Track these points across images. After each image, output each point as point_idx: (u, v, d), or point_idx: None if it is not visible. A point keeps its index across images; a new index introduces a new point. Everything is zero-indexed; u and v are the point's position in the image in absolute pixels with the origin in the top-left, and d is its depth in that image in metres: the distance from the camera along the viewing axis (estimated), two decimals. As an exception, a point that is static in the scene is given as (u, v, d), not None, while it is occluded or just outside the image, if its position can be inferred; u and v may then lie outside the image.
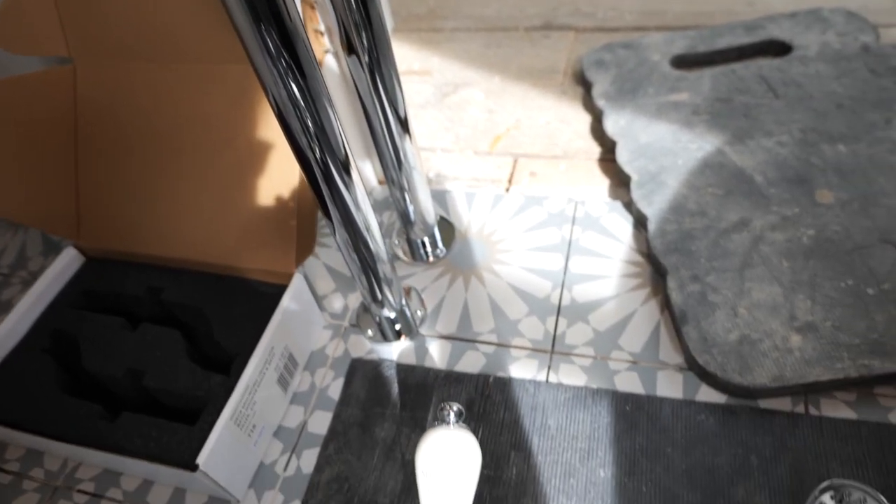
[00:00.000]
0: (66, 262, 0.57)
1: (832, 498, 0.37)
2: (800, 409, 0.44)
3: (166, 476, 0.47)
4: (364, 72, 0.45)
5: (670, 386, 0.47)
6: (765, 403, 0.44)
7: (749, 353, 0.44)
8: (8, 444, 0.54)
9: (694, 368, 0.46)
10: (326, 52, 0.56)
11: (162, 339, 0.51)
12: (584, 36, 0.79)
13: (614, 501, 0.42)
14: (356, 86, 0.47)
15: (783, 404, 0.44)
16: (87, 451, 0.46)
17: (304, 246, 0.53)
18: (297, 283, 0.51)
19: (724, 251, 0.50)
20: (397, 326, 0.53)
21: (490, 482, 0.44)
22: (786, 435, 0.43)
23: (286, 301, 0.50)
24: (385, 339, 0.53)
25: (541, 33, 0.82)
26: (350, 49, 0.44)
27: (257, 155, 0.53)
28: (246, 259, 0.53)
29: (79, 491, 0.50)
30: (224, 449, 0.44)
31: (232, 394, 0.45)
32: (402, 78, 0.48)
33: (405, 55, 0.82)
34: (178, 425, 0.45)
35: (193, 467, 0.42)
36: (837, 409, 0.43)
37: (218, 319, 0.51)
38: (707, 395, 0.46)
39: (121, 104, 0.56)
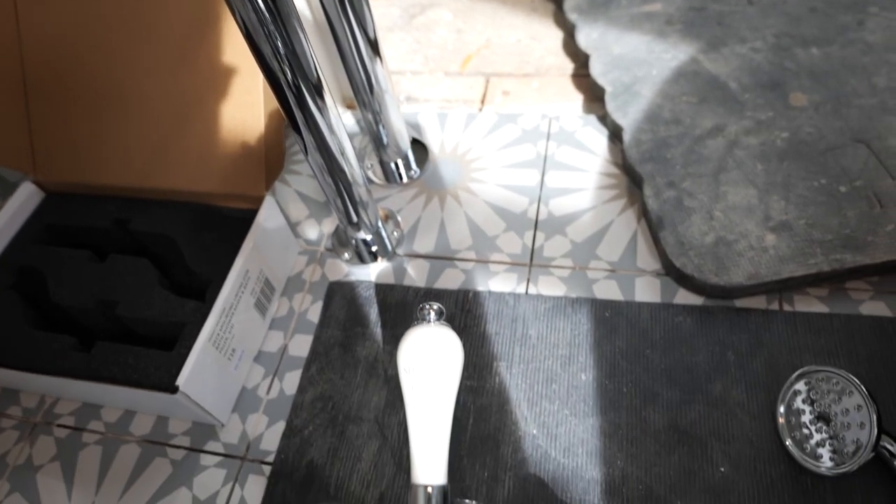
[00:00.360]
0: (25, 198, 0.54)
1: (805, 384, 0.38)
2: (774, 306, 0.44)
3: (147, 403, 0.46)
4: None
5: (648, 291, 0.46)
6: (740, 303, 0.44)
7: (725, 254, 0.44)
8: (-19, 383, 0.52)
9: (671, 273, 0.46)
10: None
11: (132, 268, 0.49)
12: (553, -50, 0.76)
13: (596, 402, 0.42)
14: (324, 8, 0.44)
15: (758, 302, 0.44)
16: (65, 382, 0.45)
17: (273, 168, 0.51)
18: (268, 206, 0.49)
19: (700, 157, 0.49)
20: (374, 248, 0.52)
21: (473, 392, 0.44)
22: (761, 331, 0.43)
23: (259, 223, 0.48)
24: (362, 261, 0.52)
25: (509, -51, 0.78)
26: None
27: (219, 75, 0.50)
28: (214, 184, 0.51)
29: (59, 426, 0.49)
30: (203, 371, 0.43)
31: (209, 316, 0.43)
32: (367, -7, 0.45)
33: (369, -24, 0.78)
34: (155, 352, 0.44)
35: (173, 389, 0.41)
36: (810, 305, 0.44)
37: (190, 247, 0.49)
38: (684, 297, 0.46)
39: (69, 27, 0.52)
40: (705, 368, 0.42)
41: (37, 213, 0.54)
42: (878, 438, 0.34)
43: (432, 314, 0.31)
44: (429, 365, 0.29)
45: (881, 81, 0.50)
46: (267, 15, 0.33)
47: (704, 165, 0.49)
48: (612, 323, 0.45)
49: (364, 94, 0.50)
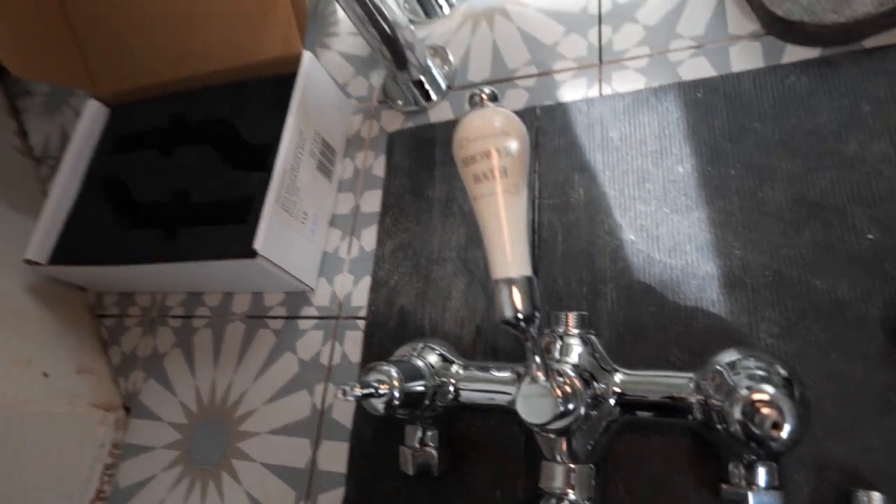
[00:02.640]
0: (93, 115, 0.51)
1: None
2: (916, 36, 0.32)
3: (238, 278, 0.43)
4: None
5: (748, 58, 0.36)
6: (870, 42, 0.33)
7: (845, -17, 0.33)
8: (103, 293, 0.52)
9: (774, 27, 0.35)
10: None
11: (196, 156, 0.45)
12: None
13: (699, 193, 0.34)
14: None
15: (892, 38, 0.33)
16: (161, 269, 0.43)
17: (301, 24, 0.44)
18: (307, 62, 0.43)
19: None
20: (427, 88, 0.44)
21: (558, 210, 0.37)
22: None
23: (302, 79, 0.42)
24: (416, 104, 0.45)
25: None
26: None
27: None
28: (252, 53, 0.45)
29: (172, 317, 0.48)
30: (278, 234, 0.39)
31: (271, 180, 0.39)
32: None
33: None
34: (231, 226, 0.40)
35: (252, 254, 0.37)
36: (969, 22, 0.32)
37: (243, 122, 0.44)
38: (796, 54, 0.35)
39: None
40: (833, 127, 0.32)
41: (107, 127, 0.52)
42: None
43: (485, 96, 0.24)
44: (489, 147, 0.23)
45: None
46: None
47: None
48: (706, 103, 0.36)
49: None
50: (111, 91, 0.51)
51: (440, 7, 0.48)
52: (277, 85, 0.44)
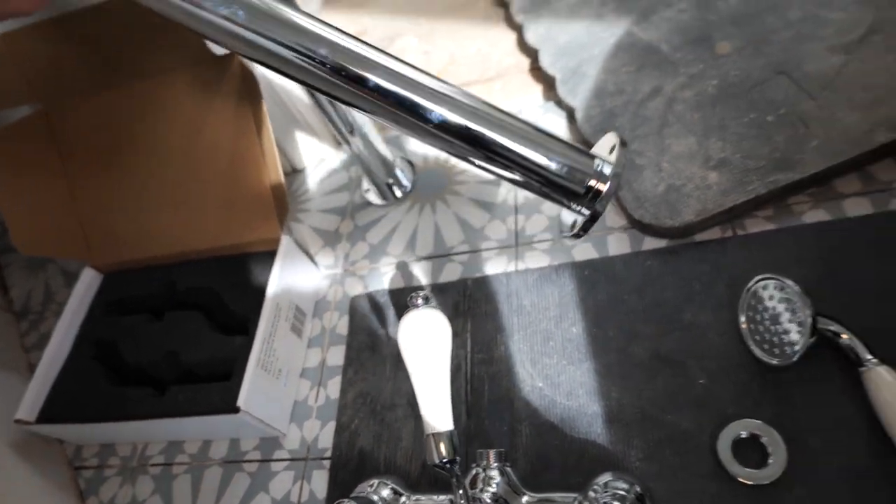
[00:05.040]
0: (88, 282, 0.66)
1: (756, 293, 0.45)
2: (728, 233, 0.51)
3: (219, 429, 0.56)
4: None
5: (619, 245, 0.54)
6: (699, 237, 0.51)
7: (675, 198, 0.51)
8: (83, 445, 0.63)
9: (635, 225, 0.54)
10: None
11: (186, 321, 0.59)
12: (494, -40, 0.84)
13: (588, 349, 0.50)
14: None
15: (713, 234, 0.51)
16: (149, 424, 0.55)
17: (282, 212, 0.61)
18: (285, 244, 0.59)
19: (644, 119, 0.57)
20: (391, 184, 0.63)
21: (485, 363, 0.52)
22: (719, 258, 0.50)
23: (279, 260, 0.58)
24: (384, 198, 0.64)
25: (455, -31, 0.87)
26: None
27: (223, 143, 0.60)
28: (238, 235, 0.61)
29: (152, 465, 0.59)
30: (258, 391, 0.52)
31: (253, 346, 0.53)
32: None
33: (338, 22, 0.88)
34: (216, 384, 0.54)
35: (236, 409, 0.50)
36: (760, 225, 0.50)
37: (228, 292, 0.59)
38: (650, 244, 0.53)
39: (96, 131, 0.63)
40: (675, 302, 0.49)
41: (99, 292, 0.66)
42: (815, 322, 0.41)
43: (420, 300, 0.39)
44: (421, 342, 0.38)
45: (794, 14, 0.57)
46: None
47: (648, 125, 0.56)
48: (592, 279, 0.53)
49: (345, 131, 0.60)
50: (106, 261, 0.66)
51: (394, 193, 0.66)
52: (259, 260, 0.60)
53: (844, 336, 0.41)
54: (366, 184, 0.68)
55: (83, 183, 0.65)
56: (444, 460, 0.37)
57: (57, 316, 0.75)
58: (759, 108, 0.53)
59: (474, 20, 0.80)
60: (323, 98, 0.56)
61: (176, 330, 0.59)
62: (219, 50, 0.57)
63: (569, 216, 0.35)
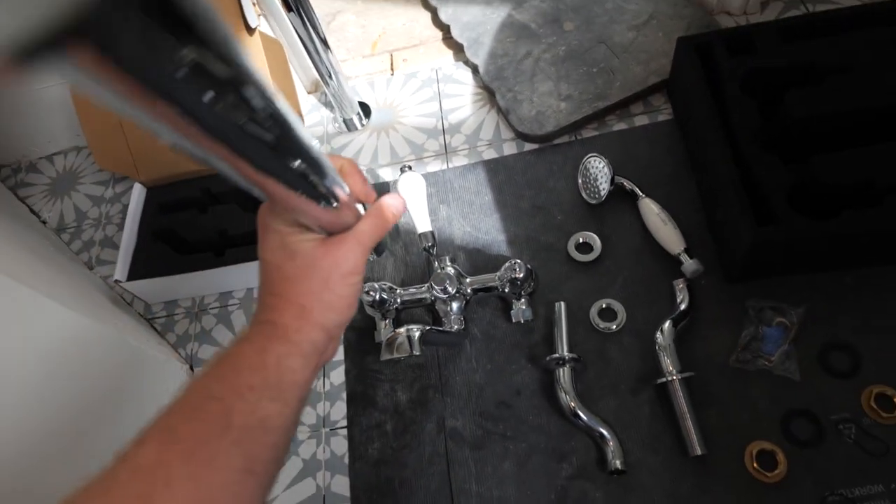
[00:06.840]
0: (138, 193, 0.94)
1: (586, 165, 0.84)
2: (572, 139, 0.90)
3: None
4: (301, 17, 0.84)
5: (509, 148, 0.91)
6: (556, 141, 0.90)
7: (541, 118, 0.89)
8: (151, 304, 0.92)
9: (519, 136, 0.91)
10: (260, 15, 0.93)
11: (226, 211, 0.90)
12: (410, -44, 1.18)
13: (494, 208, 0.87)
14: (293, 26, 0.86)
15: (564, 139, 0.90)
16: (213, 273, 0.86)
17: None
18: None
19: (521, 71, 0.94)
20: (356, 119, 0.95)
21: (434, 221, 0.88)
22: (567, 151, 0.89)
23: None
24: (351, 128, 0.96)
25: (381, -39, 1.19)
26: (288, 7, 0.82)
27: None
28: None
29: (210, 309, 0.90)
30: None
31: (286, 218, 0.85)
32: (319, 21, 0.86)
33: (291, 1, 1.18)
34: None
35: (283, 255, 0.83)
36: (589, 133, 0.90)
37: (255, 191, 0.91)
38: (528, 147, 0.91)
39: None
40: (543, 177, 0.88)
41: (148, 199, 0.94)
42: (613, 178, 0.80)
43: (407, 168, 0.74)
44: (412, 186, 0.73)
45: (609, 4, 0.96)
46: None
47: (524, 76, 0.94)
48: (495, 169, 0.90)
49: (326, 77, 0.92)
50: (151, 178, 0.95)
51: (357, 125, 0.99)
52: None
53: (626, 184, 0.82)
54: (337, 117, 1.00)
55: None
56: (429, 244, 0.73)
57: (95, 227, 1.02)
58: (588, 63, 0.92)
59: (398, 2, 1.13)
60: (313, 47, 0.88)
61: (220, 217, 0.89)
62: (253, 21, 0.87)
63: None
